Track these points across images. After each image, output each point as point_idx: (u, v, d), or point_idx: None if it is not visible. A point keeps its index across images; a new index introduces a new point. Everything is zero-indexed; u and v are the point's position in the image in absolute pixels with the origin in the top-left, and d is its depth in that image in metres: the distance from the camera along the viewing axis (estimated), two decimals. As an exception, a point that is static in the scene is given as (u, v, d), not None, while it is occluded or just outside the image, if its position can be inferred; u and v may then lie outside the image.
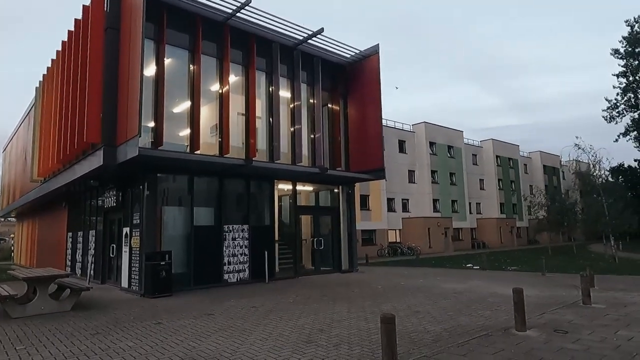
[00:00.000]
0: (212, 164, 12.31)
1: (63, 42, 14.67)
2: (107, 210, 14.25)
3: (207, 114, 13.42)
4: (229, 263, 13.14)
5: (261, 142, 14.48)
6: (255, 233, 13.90)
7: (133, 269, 11.96)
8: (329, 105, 16.78)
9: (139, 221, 11.84)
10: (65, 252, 18.53)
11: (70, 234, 18.21)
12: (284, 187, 15.72)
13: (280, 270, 14.77)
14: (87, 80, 11.43)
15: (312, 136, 15.63)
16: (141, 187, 11.85)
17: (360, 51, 16.24)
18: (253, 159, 12.89)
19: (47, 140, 15.91)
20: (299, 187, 15.76)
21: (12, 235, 39.41)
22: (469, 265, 20.75)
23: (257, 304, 9.50)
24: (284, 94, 15.25)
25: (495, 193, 47.98)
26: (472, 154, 47.35)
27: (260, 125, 14.78)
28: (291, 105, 15.34)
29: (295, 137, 14.90)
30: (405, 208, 38.43)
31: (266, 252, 13.69)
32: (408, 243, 35.40)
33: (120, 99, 11.22)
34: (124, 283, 12.41)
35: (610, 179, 39.77)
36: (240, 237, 13.52)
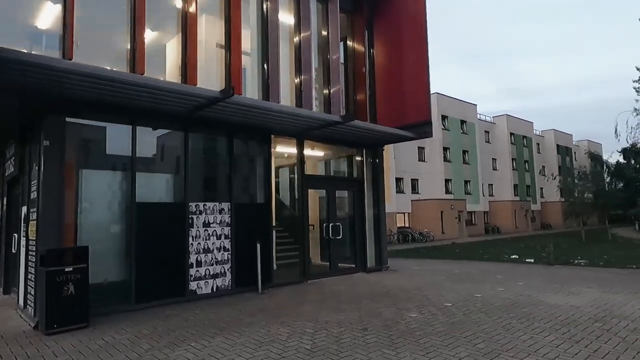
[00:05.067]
0: (164, 96, 7.16)
1: None
2: (9, 181, 9.18)
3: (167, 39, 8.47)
4: (199, 263, 8.19)
5: (252, 85, 9.62)
6: (242, 215, 8.95)
7: (30, 275, 6.99)
8: (349, 36, 11.75)
9: (36, 195, 6.82)
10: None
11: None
12: (285, 150, 10.79)
13: (280, 270, 9.94)
14: None
15: (327, 77, 10.64)
16: (41, 137, 6.79)
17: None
18: (237, 95, 7.81)
19: None
20: (307, 152, 10.75)
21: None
22: (514, 256, 16.26)
23: (240, 356, 4.63)
24: (285, 15, 10.27)
25: (509, 174, 43.62)
26: (485, 131, 42.76)
27: (250, 63, 9.84)
28: (296, 38, 10.39)
29: (302, 70, 9.93)
30: (414, 189, 33.85)
31: (258, 245, 8.77)
32: (419, 228, 30.94)
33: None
34: (21, 299, 7.45)
35: (622, 159, 35.91)
36: (218, 221, 8.58)
